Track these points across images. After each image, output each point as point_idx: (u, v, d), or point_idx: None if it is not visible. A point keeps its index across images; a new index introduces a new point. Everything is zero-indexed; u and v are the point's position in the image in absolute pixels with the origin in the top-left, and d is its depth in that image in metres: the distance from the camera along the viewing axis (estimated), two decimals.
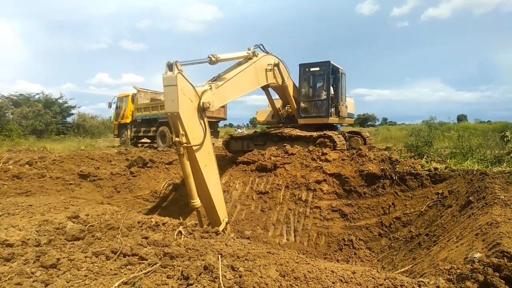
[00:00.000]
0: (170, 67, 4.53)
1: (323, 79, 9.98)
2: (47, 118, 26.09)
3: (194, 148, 4.82)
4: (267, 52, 7.80)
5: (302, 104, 9.85)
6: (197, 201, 4.99)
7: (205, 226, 5.18)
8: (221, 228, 5.33)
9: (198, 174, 5.00)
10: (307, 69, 9.98)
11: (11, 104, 26.41)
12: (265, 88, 9.39)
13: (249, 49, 7.01)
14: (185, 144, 4.69)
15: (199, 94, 4.98)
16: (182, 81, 4.58)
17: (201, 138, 4.95)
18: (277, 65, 8.08)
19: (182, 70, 4.59)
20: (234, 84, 6.29)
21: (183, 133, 4.67)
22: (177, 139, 4.67)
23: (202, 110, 4.99)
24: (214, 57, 5.56)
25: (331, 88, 9.81)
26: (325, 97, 9.69)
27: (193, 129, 4.85)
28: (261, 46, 7.56)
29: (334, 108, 9.85)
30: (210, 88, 5.33)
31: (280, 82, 8.57)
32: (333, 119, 9.77)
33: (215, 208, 5.34)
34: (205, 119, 5.12)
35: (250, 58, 7.00)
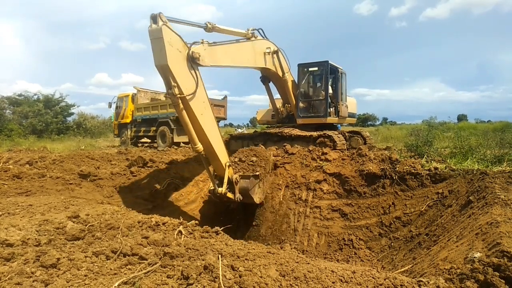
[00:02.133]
0: (154, 19, 4.42)
1: (321, 78, 9.95)
2: (48, 118, 26.07)
3: (188, 97, 4.84)
4: (267, 38, 7.73)
5: (301, 104, 9.83)
6: (199, 146, 5.19)
7: (210, 168, 5.75)
8: (225, 176, 5.68)
9: (195, 123, 5.12)
10: (305, 69, 9.95)
11: (9, 104, 26.37)
12: (265, 81, 9.33)
13: (248, 29, 6.93)
14: (178, 95, 4.69)
15: (187, 44, 4.93)
16: (168, 33, 4.49)
17: (193, 87, 4.96)
18: (276, 52, 7.98)
19: (167, 22, 4.50)
20: (229, 51, 6.19)
21: (175, 84, 4.66)
22: (170, 91, 4.68)
23: (191, 60, 4.94)
24: (210, 25, 5.48)
25: (330, 87, 9.79)
26: (323, 97, 9.67)
27: (184, 79, 4.85)
28: (260, 31, 7.44)
29: (333, 108, 9.82)
30: (202, 43, 5.27)
31: (279, 72, 8.48)
32: (332, 119, 9.73)
33: (216, 153, 5.56)
34: (197, 71, 5.10)
35: (249, 39, 6.95)
